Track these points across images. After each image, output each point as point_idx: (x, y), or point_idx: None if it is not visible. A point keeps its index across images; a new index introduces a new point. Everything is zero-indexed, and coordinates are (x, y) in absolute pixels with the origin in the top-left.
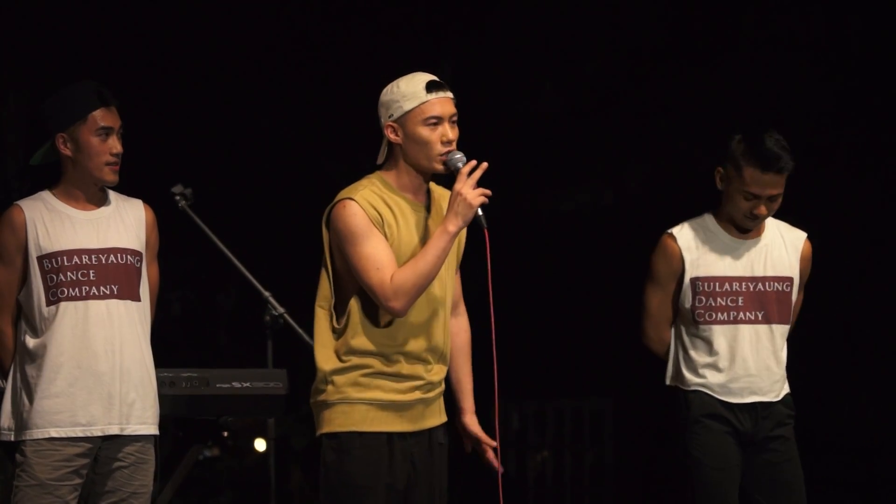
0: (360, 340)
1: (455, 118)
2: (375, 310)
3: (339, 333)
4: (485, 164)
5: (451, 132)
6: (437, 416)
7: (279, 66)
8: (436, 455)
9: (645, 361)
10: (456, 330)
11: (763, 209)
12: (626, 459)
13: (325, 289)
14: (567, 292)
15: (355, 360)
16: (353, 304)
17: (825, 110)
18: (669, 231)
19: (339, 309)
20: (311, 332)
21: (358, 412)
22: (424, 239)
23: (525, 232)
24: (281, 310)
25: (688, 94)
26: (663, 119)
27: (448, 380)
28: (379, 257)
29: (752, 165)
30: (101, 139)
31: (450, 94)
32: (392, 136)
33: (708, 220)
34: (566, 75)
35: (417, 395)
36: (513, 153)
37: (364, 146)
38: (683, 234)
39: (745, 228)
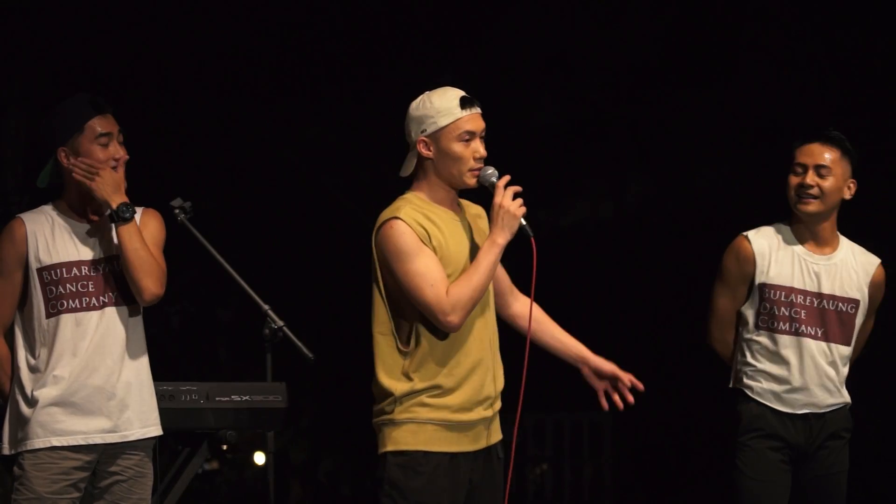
0: (431, 355)
1: (484, 133)
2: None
3: (407, 354)
4: (518, 187)
5: (483, 148)
6: (496, 434)
7: (279, 81)
8: (494, 470)
9: (643, 375)
10: (525, 305)
11: (809, 179)
12: (625, 472)
13: (381, 314)
14: (566, 305)
15: (425, 379)
16: (420, 322)
17: (824, 126)
18: (745, 233)
19: (402, 331)
20: (309, 346)
21: (426, 432)
22: (470, 248)
23: (523, 246)
24: (280, 323)
25: (687, 109)
26: (663, 134)
27: (546, 353)
28: (432, 274)
29: (800, 142)
30: (103, 147)
31: (479, 110)
32: (424, 151)
33: (783, 228)
34: (566, 90)
35: (480, 411)
36: (512, 167)
37: (363, 160)
38: (758, 238)
39: (802, 216)
